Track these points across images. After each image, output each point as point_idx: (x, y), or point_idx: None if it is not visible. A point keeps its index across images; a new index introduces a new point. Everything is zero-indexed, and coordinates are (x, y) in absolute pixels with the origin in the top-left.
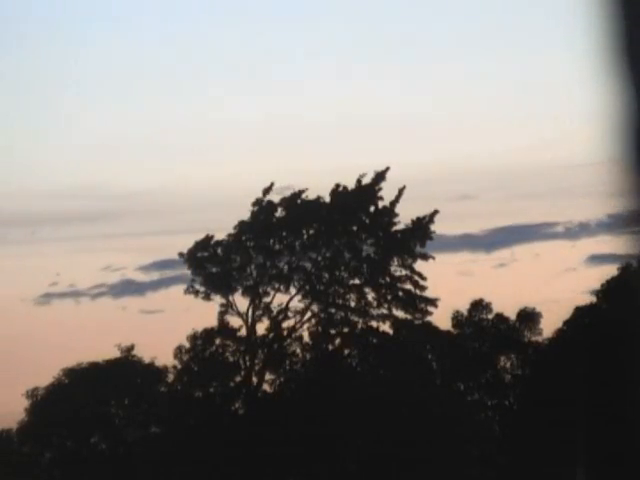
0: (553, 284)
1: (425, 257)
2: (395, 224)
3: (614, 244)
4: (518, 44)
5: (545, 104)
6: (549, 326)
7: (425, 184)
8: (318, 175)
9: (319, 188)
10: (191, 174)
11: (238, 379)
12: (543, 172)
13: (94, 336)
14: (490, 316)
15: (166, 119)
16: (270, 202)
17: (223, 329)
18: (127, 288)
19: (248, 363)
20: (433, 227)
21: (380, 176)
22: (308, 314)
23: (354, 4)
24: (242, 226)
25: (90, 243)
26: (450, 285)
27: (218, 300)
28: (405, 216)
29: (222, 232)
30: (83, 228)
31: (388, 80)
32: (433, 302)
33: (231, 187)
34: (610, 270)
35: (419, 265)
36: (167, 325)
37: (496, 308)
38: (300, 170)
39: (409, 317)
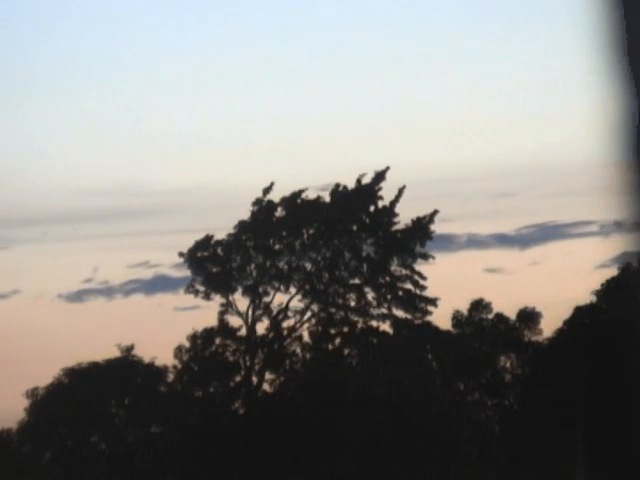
0: (588, 281)
1: (425, 257)
2: (395, 224)
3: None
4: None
5: (578, 101)
6: (549, 326)
7: (460, 182)
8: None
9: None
10: (228, 171)
11: (238, 379)
12: (578, 170)
13: (126, 332)
14: (490, 316)
15: (205, 117)
16: (270, 202)
17: (223, 329)
18: (161, 285)
19: (248, 363)
20: (464, 225)
21: (380, 176)
22: (308, 314)
23: (354, 4)
24: (242, 226)
25: (127, 240)
26: (478, 282)
27: (218, 300)
28: (405, 216)
29: (222, 232)
30: (121, 225)
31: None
32: (433, 302)
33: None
34: (612, 270)
35: (443, 262)
36: (204, 322)
37: (539, 308)
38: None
39: (409, 317)
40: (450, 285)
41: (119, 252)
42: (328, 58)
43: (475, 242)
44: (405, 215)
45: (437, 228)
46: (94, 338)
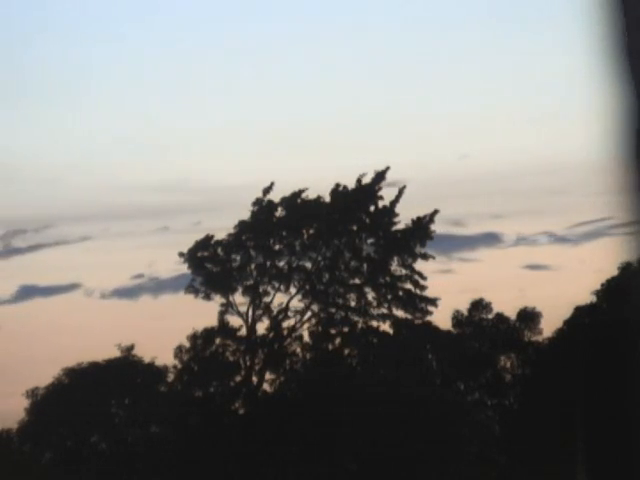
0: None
1: (425, 257)
2: (395, 224)
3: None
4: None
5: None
6: (549, 326)
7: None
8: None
9: (320, 188)
10: (277, 169)
11: (238, 379)
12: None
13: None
14: (490, 316)
15: (254, 114)
16: (270, 202)
17: (223, 329)
18: None
19: (248, 363)
20: (508, 223)
21: (380, 176)
22: (308, 314)
23: (354, 4)
24: (242, 226)
25: (182, 236)
26: (522, 279)
27: (218, 300)
28: (406, 216)
29: (222, 232)
30: (178, 221)
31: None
32: (433, 302)
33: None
34: (612, 270)
35: (490, 258)
36: (204, 322)
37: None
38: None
39: (409, 317)
40: (495, 281)
41: (176, 248)
42: (328, 58)
43: (522, 239)
44: (405, 215)
45: (484, 226)
46: (143, 332)
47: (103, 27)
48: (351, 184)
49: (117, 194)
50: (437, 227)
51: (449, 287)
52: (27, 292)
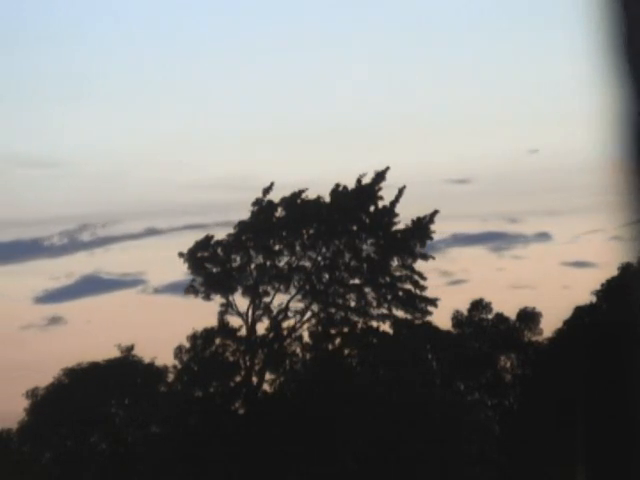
0: None
1: (425, 257)
2: (395, 224)
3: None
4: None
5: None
6: (549, 326)
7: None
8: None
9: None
10: (341, 168)
11: (238, 379)
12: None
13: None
14: (490, 316)
15: (311, 112)
16: (270, 202)
17: (223, 329)
18: None
19: (248, 363)
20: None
21: (380, 176)
22: (308, 314)
23: (358, 5)
24: (242, 226)
25: None
26: (570, 277)
27: (218, 300)
28: (406, 216)
29: (222, 232)
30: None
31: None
32: (433, 302)
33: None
34: (612, 270)
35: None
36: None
37: None
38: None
39: (409, 317)
40: (541, 278)
41: None
42: (328, 58)
43: (575, 237)
44: (406, 215)
45: (540, 223)
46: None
47: (161, 26)
48: (351, 184)
49: (181, 190)
50: (493, 225)
51: (497, 283)
52: (92, 285)
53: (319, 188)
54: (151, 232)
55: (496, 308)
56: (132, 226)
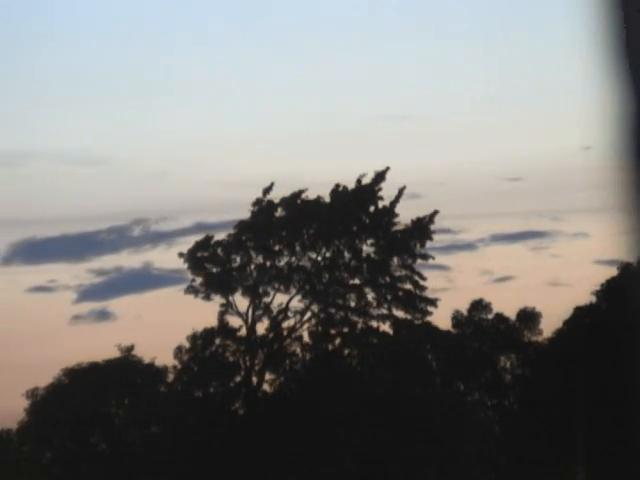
0: None
1: (425, 257)
2: (395, 224)
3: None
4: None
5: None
6: (549, 326)
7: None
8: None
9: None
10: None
11: (238, 379)
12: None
13: None
14: (490, 316)
15: (348, 111)
16: (270, 202)
17: (223, 329)
18: None
19: (248, 363)
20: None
21: (380, 176)
22: (308, 314)
23: (358, 4)
24: (242, 226)
25: None
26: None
27: (218, 300)
28: (405, 216)
29: (223, 232)
30: None
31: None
32: (433, 302)
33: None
34: (613, 270)
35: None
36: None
37: None
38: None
39: (409, 317)
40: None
41: None
42: (327, 58)
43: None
44: (406, 215)
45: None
46: None
47: (209, 30)
48: (351, 184)
49: (224, 188)
50: (537, 224)
51: (536, 281)
52: (141, 281)
53: (319, 188)
54: (201, 228)
55: (495, 308)
56: (182, 222)
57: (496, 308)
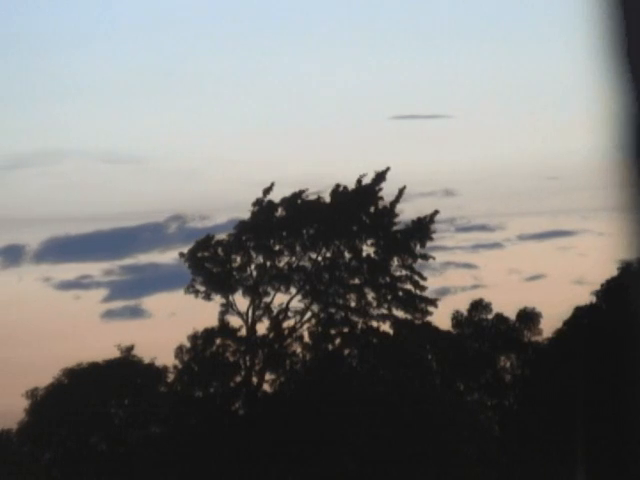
0: None
1: (425, 257)
2: (395, 224)
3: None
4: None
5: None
6: (549, 326)
7: None
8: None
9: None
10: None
11: (238, 379)
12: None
13: None
14: (490, 316)
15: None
16: (270, 202)
17: (223, 329)
18: None
19: (248, 363)
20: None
21: (380, 176)
22: (308, 314)
23: (357, 4)
24: (242, 226)
25: None
26: None
27: (218, 300)
28: (405, 216)
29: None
30: None
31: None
32: (433, 302)
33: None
34: (611, 270)
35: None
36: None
37: None
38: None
39: (409, 317)
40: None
41: None
42: (326, 58)
43: None
44: (406, 215)
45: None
46: None
47: (242, 27)
48: (351, 184)
49: (258, 186)
50: (565, 222)
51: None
52: (176, 278)
53: (319, 188)
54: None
55: (496, 308)
56: (216, 219)
57: (496, 308)
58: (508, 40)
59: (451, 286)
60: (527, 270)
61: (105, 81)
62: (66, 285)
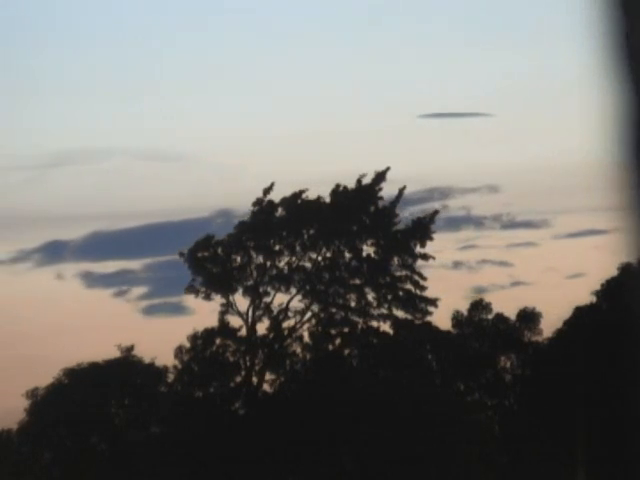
0: None
1: (425, 257)
2: (395, 224)
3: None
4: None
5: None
6: (549, 326)
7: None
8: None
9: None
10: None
11: (238, 379)
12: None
13: None
14: (490, 316)
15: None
16: (270, 202)
17: (223, 329)
18: None
19: (248, 363)
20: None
21: (380, 176)
22: (308, 314)
23: (358, 4)
24: (242, 226)
25: None
26: None
27: (218, 300)
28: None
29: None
30: None
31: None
32: (433, 302)
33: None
34: (611, 270)
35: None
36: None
37: None
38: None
39: (409, 317)
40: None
41: None
42: (326, 59)
43: None
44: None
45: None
46: None
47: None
48: (351, 184)
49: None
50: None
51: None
52: None
53: (319, 188)
54: None
55: (496, 308)
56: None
57: (496, 308)
58: (550, 39)
59: (489, 284)
60: (564, 269)
61: (150, 80)
62: (109, 281)
